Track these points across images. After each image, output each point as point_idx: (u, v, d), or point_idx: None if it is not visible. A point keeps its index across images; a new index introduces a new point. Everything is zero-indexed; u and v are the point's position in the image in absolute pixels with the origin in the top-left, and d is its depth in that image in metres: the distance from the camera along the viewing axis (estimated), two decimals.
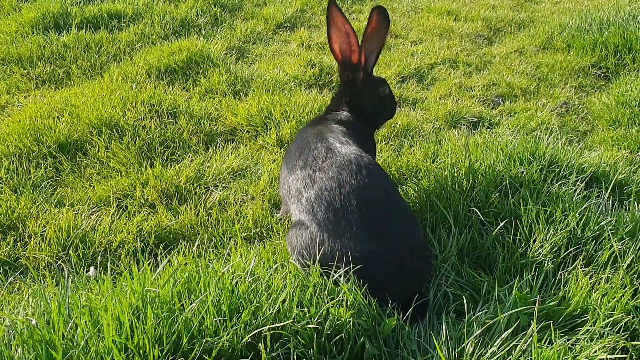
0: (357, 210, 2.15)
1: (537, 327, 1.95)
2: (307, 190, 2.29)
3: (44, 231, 2.68)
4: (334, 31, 2.65)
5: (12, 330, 1.86)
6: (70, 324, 1.86)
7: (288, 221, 2.71)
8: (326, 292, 2.04)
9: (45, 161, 3.25)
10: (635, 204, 2.62)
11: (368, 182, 2.24)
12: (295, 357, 1.88)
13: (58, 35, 4.91)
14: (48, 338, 1.82)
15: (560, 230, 2.39)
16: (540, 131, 3.60)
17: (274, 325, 1.89)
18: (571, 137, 3.68)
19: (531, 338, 1.87)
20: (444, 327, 1.99)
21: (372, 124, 2.93)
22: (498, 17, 5.84)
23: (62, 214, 2.80)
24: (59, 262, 2.51)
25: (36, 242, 2.61)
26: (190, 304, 1.92)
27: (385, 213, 2.20)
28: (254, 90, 4.04)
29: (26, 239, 2.65)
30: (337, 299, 2.00)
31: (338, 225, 2.14)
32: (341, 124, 2.73)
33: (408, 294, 2.12)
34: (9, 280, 2.44)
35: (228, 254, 2.41)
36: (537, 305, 1.96)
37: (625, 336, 1.98)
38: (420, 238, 2.29)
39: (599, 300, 2.08)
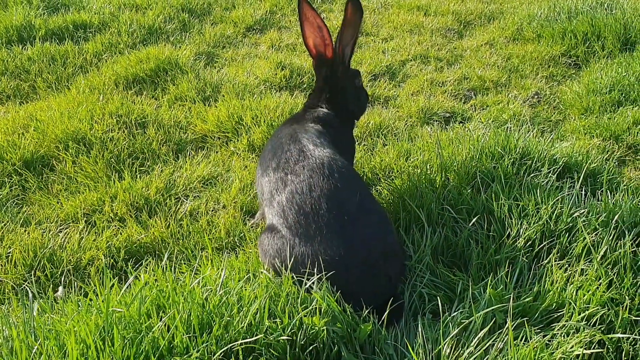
0: (328, 214, 2.12)
1: (513, 325, 1.94)
2: (279, 194, 2.25)
3: (10, 252, 2.60)
4: (307, 27, 2.62)
5: None
6: (34, 350, 1.80)
7: (260, 228, 2.66)
8: (299, 300, 2.00)
9: (11, 179, 3.16)
10: (608, 192, 2.61)
11: (340, 185, 2.21)
12: None
13: (22, 48, 4.80)
14: None
15: (534, 224, 2.38)
16: (512, 123, 3.59)
17: (245, 341, 1.84)
18: (543, 127, 3.68)
19: (507, 336, 1.85)
20: (420, 329, 1.96)
21: (353, 117, 2.92)
22: (468, 10, 5.84)
23: (29, 233, 2.72)
24: (25, 284, 2.44)
25: (1, 264, 2.53)
26: (159, 322, 1.87)
27: (357, 216, 2.16)
28: (223, 96, 3.98)
29: None
30: (310, 307, 1.96)
31: (308, 230, 2.10)
32: (319, 121, 2.68)
33: (383, 297, 2.09)
34: None
35: (199, 266, 2.36)
36: (511, 302, 1.94)
37: (602, 329, 1.97)
38: (394, 240, 2.25)
39: (574, 293, 2.06)
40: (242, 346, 1.84)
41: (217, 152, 3.44)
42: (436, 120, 3.81)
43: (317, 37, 2.65)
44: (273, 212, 2.26)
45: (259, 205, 2.68)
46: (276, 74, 4.34)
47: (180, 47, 4.90)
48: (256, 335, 1.87)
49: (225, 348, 1.83)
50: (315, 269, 2.05)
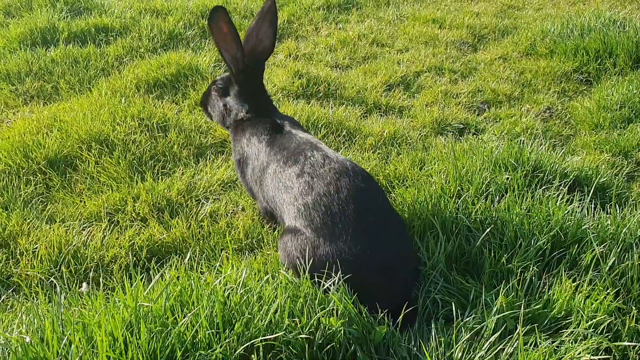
0: (354, 215, 2.21)
1: (523, 331, 2.01)
2: (304, 197, 2.33)
3: (36, 248, 2.69)
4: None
5: (7, 349, 1.88)
6: (64, 341, 1.89)
7: (278, 231, 2.74)
8: (317, 301, 2.07)
9: (35, 177, 3.27)
10: (617, 206, 2.68)
11: (364, 187, 2.31)
12: None
13: (46, 50, 4.92)
14: (42, 355, 1.84)
15: (545, 235, 2.44)
16: (525, 137, 3.66)
17: (266, 338, 1.92)
18: (555, 141, 3.75)
19: (517, 341, 1.92)
20: (433, 333, 2.03)
21: None
22: (482, 24, 5.92)
23: (54, 230, 2.82)
24: (51, 278, 2.53)
25: (28, 259, 2.63)
26: (183, 318, 1.96)
27: (379, 219, 2.26)
28: None
29: (18, 256, 2.67)
30: (328, 308, 2.04)
31: (334, 230, 2.19)
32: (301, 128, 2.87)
33: (398, 301, 2.17)
34: (1, 298, 2.46)
35: (220, 266, 2.44)
36: (522, 309, 2.01)
37: (609, 337, 2.04)
38: (410, 245, 2.34)
39: (582, 302, 2.13)
40: (263, 343, 1.92)
41: None
42: (450, 131, 3.89)
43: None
44: (299, 214, 2.33)
45: (264, 214, 2.76)
46: (293, 82, 4.43)
47: (200, 53, 5.01)
48: (276, 333, 1.95)
49: (247, 344, 1.92)
50: (340, 269, 2.13)
